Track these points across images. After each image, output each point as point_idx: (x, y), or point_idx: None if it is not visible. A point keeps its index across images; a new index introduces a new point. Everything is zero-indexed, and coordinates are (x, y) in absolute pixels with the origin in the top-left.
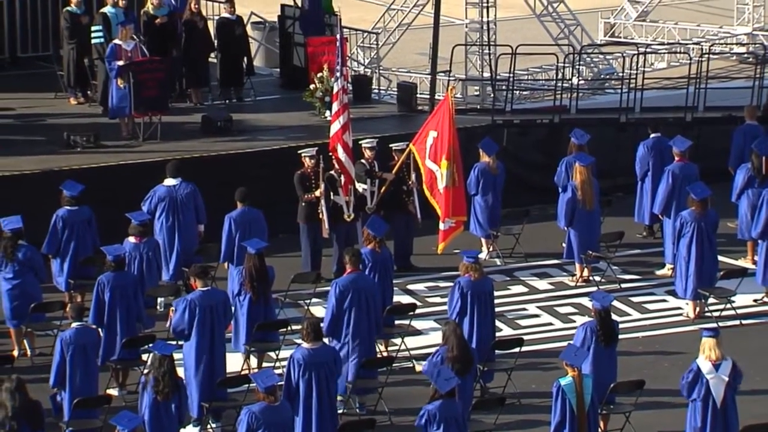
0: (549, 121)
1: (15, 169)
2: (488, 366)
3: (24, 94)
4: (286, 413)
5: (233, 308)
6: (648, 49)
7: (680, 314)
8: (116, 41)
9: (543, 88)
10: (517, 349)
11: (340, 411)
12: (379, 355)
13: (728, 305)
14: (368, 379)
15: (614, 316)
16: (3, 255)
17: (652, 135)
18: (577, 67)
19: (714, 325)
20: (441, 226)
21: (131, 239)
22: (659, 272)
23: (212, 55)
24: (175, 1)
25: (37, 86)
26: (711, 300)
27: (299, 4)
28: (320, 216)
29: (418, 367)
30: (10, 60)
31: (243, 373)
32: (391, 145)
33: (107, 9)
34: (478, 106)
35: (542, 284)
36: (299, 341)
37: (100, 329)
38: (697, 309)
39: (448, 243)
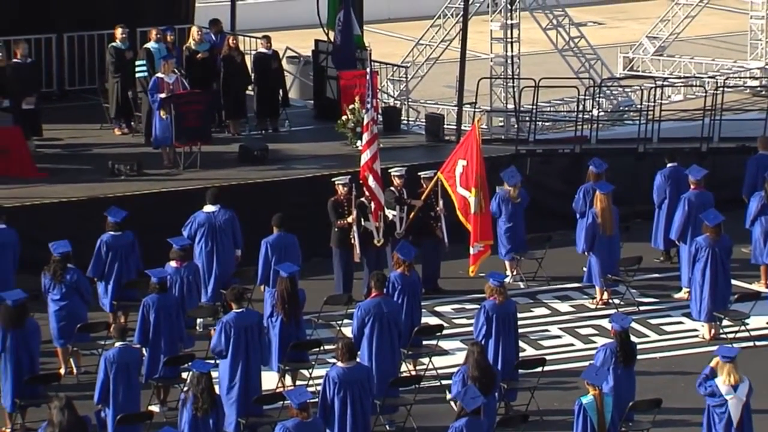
0: (570, 150)
1: (63, 196)
2: (512, 385)
3: (71, 126)
4: (318, 429)
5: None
6: (665, 83)
7: (696, 336)
8: (159, 75)
9: (564, 120)
10: (539, 369)
11: None
12: (407, 374)
13: (742, 327)
14: (392, 398)
15: (633, 338)
16: (52, 277)
17: (669, 164)
18: (598, 99)
19: (732, 348)
20: (471, 250)
21: (172, 263)
22: (676, 295)
23: (249, 87)
24: (216, 37)
25: (84, 118)
26: (725, 322)
27: (332, 40)
28: (352, 241)
29: (449, 395)
30: (59, 93)
31: (278, 390)
32: (419, 174)
33: (150, 44)
34: (503, 137)
35: (564, 306)
36: (333, 360)
37: (143, 348)
38: (712, 331)
39: (478, 266)
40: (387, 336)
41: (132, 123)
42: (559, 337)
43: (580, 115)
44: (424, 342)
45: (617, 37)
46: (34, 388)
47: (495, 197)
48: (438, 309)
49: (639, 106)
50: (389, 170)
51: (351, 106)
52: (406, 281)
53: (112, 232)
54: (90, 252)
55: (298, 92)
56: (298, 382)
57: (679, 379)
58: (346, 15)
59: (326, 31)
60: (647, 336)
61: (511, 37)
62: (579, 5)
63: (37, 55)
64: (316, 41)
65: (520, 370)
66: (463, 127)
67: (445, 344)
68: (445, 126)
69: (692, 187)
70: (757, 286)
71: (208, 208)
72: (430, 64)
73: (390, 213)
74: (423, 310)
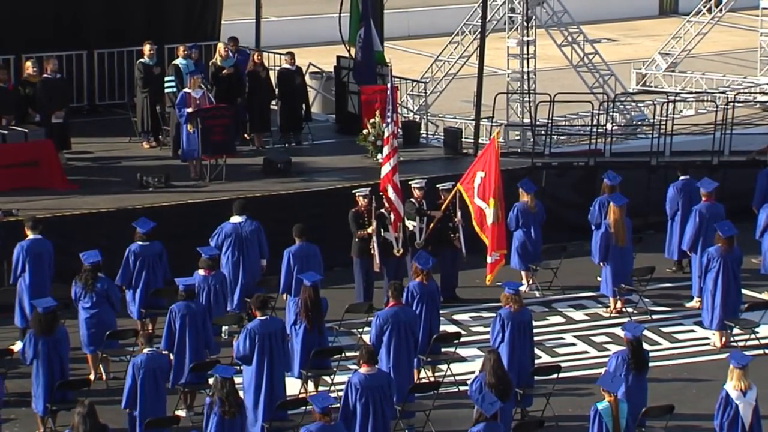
0: (585, 163)
1: (93, 207)
2: (528, 391)
3: (101, 139)
4: None
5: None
6: (677, 98)
7: (707, 344)
8: (186, 90)
9: (579, 133)
10: (555, 376)
11: None
12: (426, 381)
13: (752, 335)
14: (410, 403)
15: (645, 345)
16: (83, 286)
17: (681, 177)
18: (611, 114)
19: (745, 356)
20: (488, 259)
21: (200, 272)
22: (687, 304)
23: (273, 102)
24: (233, 54)
25: (114, 131)
26: (736, 330)
27: (354, 56)
28: (372, 251)
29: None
30: (89, 108)
31: (301, 395)
32: (438, 186)
33: (178, 61)
34: (519, 150)
35: (578, 315)
36: (354, 367)
37: (170, 354)
38: (723, 339)
39: (495, 274)
40: (404, 344)
41: (160, 136)
42: (573, 344)
43: (594, 129)
44: (443, 349)
45: (630, 53)
46: (65, 393)
47: (513, 209)
48: (456, 317)
49: (652, 121)
50: (409, 182)
51: (372, 120)
52: (424, 290)
53: (140, 242)
54: (119, 261)
55: (321, 107)
56: (320, 388)
57: (690, 386)
58: (367, 32)
59: (348, 47)
60: (660, 344)
61: (528, 54)
62: (593, 23)
63: (68, 70)
64: (338, 57)
65: (536, 377)
66: (480, 141)
67: (462, 351)
68: (463, 139)
69: (704, 199)
70: (767, 296)
71: (235, 218)
72: (449, 80)
73: (410, 224)
74: (441, 318)
